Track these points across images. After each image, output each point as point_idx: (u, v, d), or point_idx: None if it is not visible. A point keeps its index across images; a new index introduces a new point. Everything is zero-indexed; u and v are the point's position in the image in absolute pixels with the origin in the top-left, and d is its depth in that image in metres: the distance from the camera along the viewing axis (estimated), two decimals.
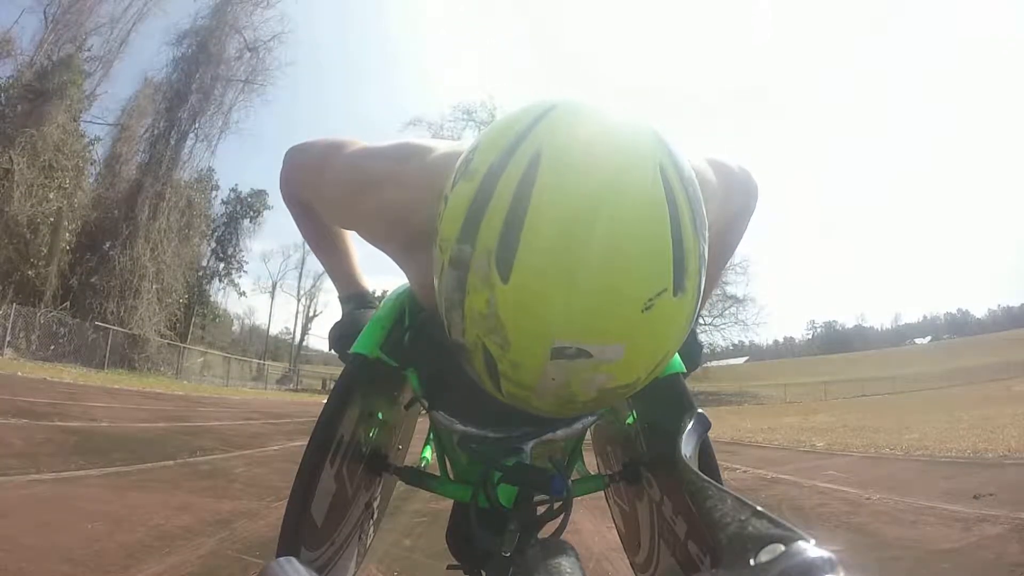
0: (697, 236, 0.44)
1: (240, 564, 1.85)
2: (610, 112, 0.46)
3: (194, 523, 2.28)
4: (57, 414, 5.06)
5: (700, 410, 0.59)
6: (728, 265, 1.04)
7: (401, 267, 0.72)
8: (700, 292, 0.45)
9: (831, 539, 2.32)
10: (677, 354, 0.74)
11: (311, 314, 41.54)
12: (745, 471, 4.71)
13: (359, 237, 0.80)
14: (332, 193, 0.71)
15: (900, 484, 3.61)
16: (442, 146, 0.65)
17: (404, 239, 0.65)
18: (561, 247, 0.39)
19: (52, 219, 16.83)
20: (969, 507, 2.78)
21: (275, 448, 5.09)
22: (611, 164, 0.41)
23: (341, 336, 0.86)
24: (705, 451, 0.63)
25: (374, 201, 0.65)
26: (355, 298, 0.90)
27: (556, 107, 0.45)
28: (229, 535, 2.17)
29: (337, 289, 0.92)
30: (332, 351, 0.87)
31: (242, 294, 30.61)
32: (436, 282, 0.48)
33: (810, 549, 0.25)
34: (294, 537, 0.62)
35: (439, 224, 0.47)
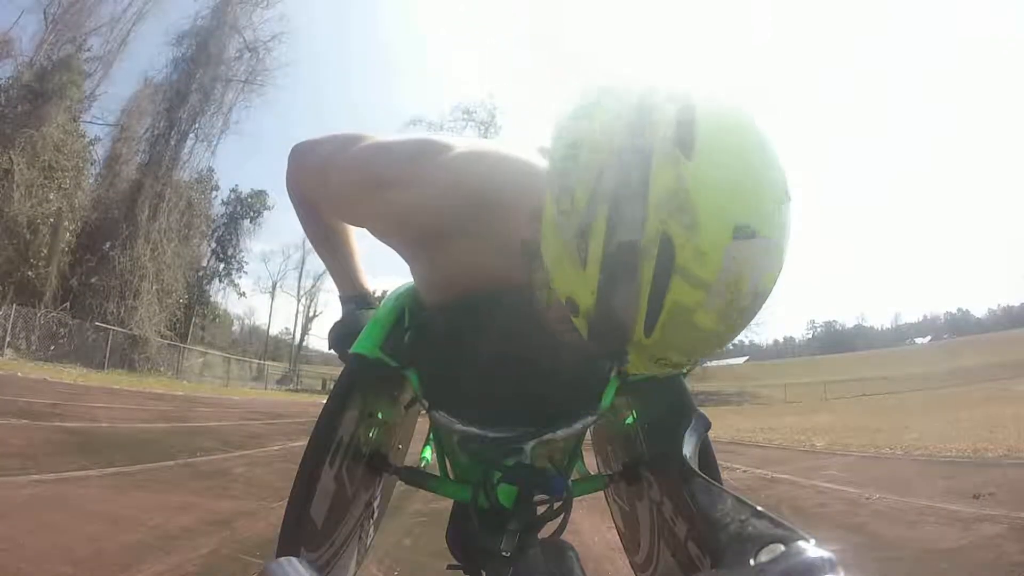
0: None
1: (240, 564, 1.85)
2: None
3: (194, 523, 2.28)
4: (57, 414, 5.06)
5: (700, 410, 0.60)
6: None
7: (409, 263, 0.72)
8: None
9: (831, 539, 2.32)
10: None
11: (311, 314, 41.56)
12: (745, 471, 4.71)
13: (361, 237, 0.80)
14: (340, 191, 0.70)
15: (900, 484, 3.60)
16: (460, 144, 0.64)
17: (416, 236, 0.65)
18: (731, 132, 0.45)
19: (52, 219, 16.82)
20: (969, 507, 2.78)
21: (275, 448, 5.09)
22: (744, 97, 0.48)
23: (341, 336, 0.86)
24: (705, 451, 0.63)
25: (385, 200, 0.64)
26: (356, 298, 0.90)
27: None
28: (229, 535, 2.17)
29: (338, 289, 0.92)
30: (332, 351, 0.87)
31: (242, 294, 30.65)
32: (592, 185, 0.45)
33: (810, 549, 0.25)
34: (294, 537, 0.62)
35: (564, 153, 0.47)
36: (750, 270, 0.43)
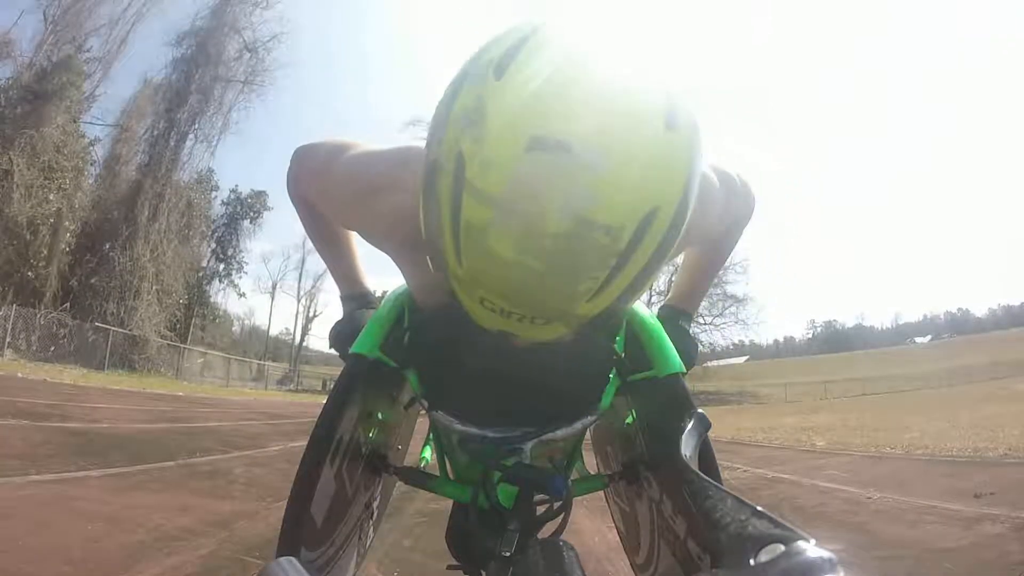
0: (688, 105, 0.43)
1: (240, 565, 1.85)
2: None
3: (194, 524, 2.27)
4: (57, 415, 5.05)
5: (700, 410, 0.59)
6: (728, 264, 1.06)
7: (400, 268, 0.73)
8: (695, 159, 0.43)
9: (832, 538, 2.31)
10: (676, 354, 0.75)
11: (311, 315, 41.52)
12: (745, 470, 4.71)
13: (360, 237, 0.80)
14: (335, 195, 0.72)
15: (900, 483, 3.60)
16: None
17: (404, 240, 0.66)
18: (559, 54, 0.41)
19: (52, 220, 16.84)
20: (970, 506, 2.78)
21: (275, 449, 5.09)
22: (613, 30, 0.45)
23: (342, 336, 0.86)
24: (705, 451, 0.63)
25: (375, 204, 0.66)
26: (356, 298, 0.91)
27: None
28: (229, 536, 2.17)
29: (339, 288, 0.93)
30: (332, 350, 0.87)
31: (242, 295, 30.59)
32: (433, 116, 0.46)
33: (810, 549, 0.25)
34: (294, 536, 0.62)
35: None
36: (552, 186, 0.38)
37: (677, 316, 0.96)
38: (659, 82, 0.43)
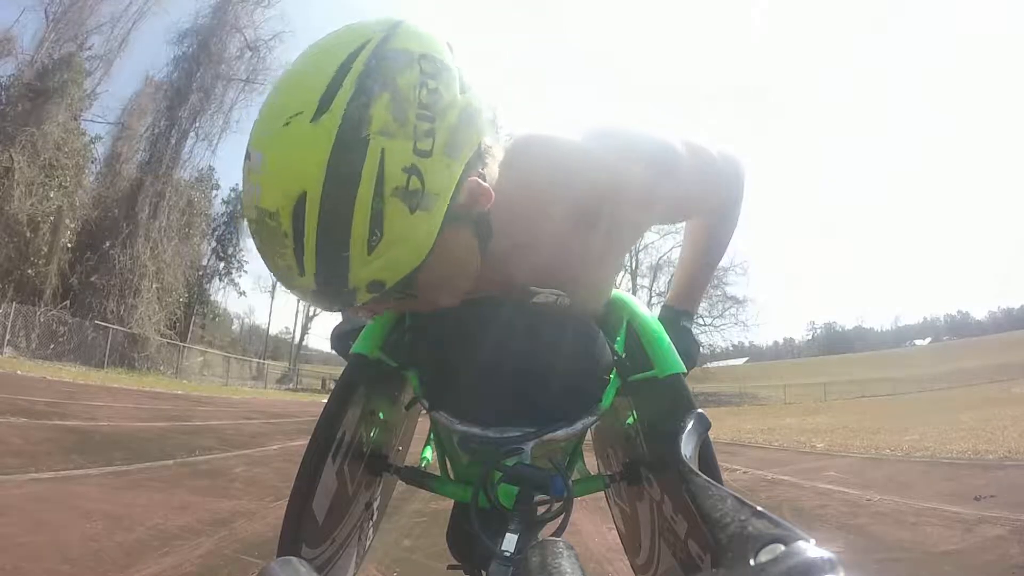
0: (374, 96, 0.47)
1: (239, 564, 1.84)
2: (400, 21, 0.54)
3: (193, 523, 2.27)
4: (56, 413, 5.05)
5: (700, 410, 0.59)
6: (728, 265, 1.03)
7: None
8: (349, 144, 0.47)
9: (832, 540, 2.31)
10: (676, 353, 0.74)
11: (311, 314, 41.45)
12: (745, 472, 4.70)
13: None
14: None
15: (901, 485, 3.60)
16: None
17: None
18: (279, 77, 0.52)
19: (52, 218, 16.83)
20: (970, 508, 2.78)
21: (275, 448, 5.09)
22: (356, 28, 0.52)
23: (343, 337, 0.86)
24: (705, 451, 0.63)
25: None
26: None
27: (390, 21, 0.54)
28: (228, 535, 2.17)
29: None
30: (335, 352, 0.87)
31: (242, 293, 30.72)
32: None
33: (810, 549, 0.25)
34: (295, 533, 0.62)
35: None
36: (246, 191, 0.49)
37: (678, 316, 0.94)
38: (325, 77, 0.47)
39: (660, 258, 31.06)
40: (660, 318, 0.90)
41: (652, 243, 30.07)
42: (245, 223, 0.54)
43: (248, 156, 0.49)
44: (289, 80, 0.50)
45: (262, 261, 0.55)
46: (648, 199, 0.66)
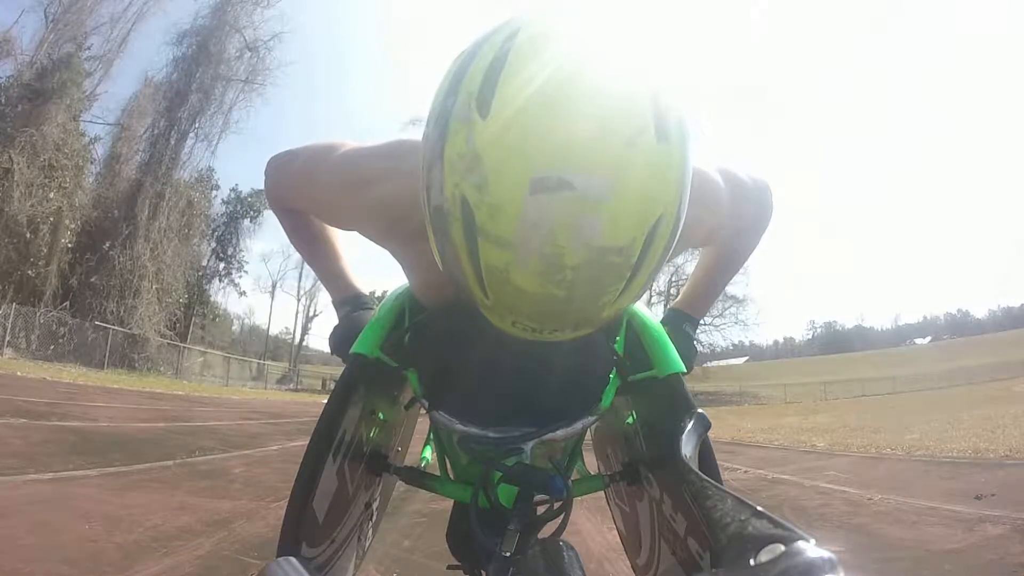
0: (677, 105, 0.43)
1: (238, 565, 1.84)
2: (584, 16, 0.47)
3: (192, 523, 2.27)
4: (56, 414, 5.05)
5: (700, 410, 0.59)
6: None
7: (401, 263, 0.73)
8: (687, 159, 0.44)
9: (833, 540, 2.31)
10: (676, 353, 0.75)
11: (311, 314, 41.54)
12: (746, 471, 4.70)
13: (354, 239, 0.80)
14: (327, 193, 0.71)
15: (901, 484, 3.60)
16: None
17: (404, 234, 0.66)
18: (539, 82, 0.40)
19: (52, 218, 16.82)
20: (971, 507, 2.77)
21: (275, 448, 5.09)
22: (592, 28, 0.44)
23: (342, 339, 0.86)
24: (705, 451, 0.63)
25: (372, 197, 0.65)
26: (350, 301, 0.90)
27: (531, 7, 0.47)
28: (227, 535, 2.16)
29: (331, 294, 0.92)
30: (335, 355, 0.87)
31: (242, 294, 30.70)
32: (421, 155, 0.47)
33: (810, 549, 0.25)
34: (296, 530, 0.62)
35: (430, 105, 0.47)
36: (562, 224, 0.39)
37: (682, 320, 0.95)
38: (644, 92, 0.42)
39: None
40: (665, 319, 0.91)
41: None
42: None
43: (567, 185, 0.39)
44: (611, 100, 0.41)
45: (539, 311, 0.45)
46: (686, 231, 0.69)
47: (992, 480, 3.44)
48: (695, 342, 0.97)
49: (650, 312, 0.83)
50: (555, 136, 0.39)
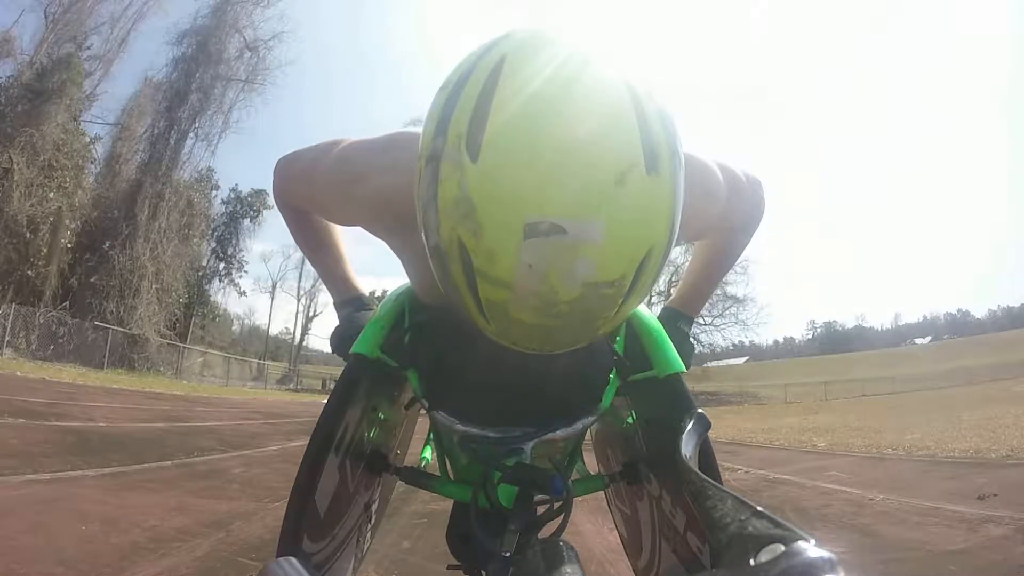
0: (665, 127, 0.43)
1: (237, 566, 1.83)
2: (572, 35, 0.46)
3: (190, 524, 2.26)
4: (55, 414, 5.05)
5: (700, 410, 0.59)
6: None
7: (401, 258, 0.73)
8: (679, 187, 0.44)
9: (836, 540, 2.31)
10: (676, 354, 0.75)
11: (311, 314, 41.56)
12: (747, 472, 4.71)
13: (363, 238, 0.80)
14: (327, 189, 0.72)
15: (903, 485, 3.60)
16: None
17: (404, 228, 0.65)
18: (526, 122, 0.40)
19: (52, 218, 16.86)
20: (973, 508, 2.77)
21: (274, 448, 5.09)
22: (574, 57, 0.43)
23: (343, 340, 0.86)
24: (705, 451, 0.63)
25: (369, 190, 0.66)
26: (352, 301, 0.92)
27: (518, 29, 0.47)
28: (225, 536, 2.16)
29: (332, 294, 0.93)
30: (335, 354, 0.87)
31: (242, 294, 30.65)
32: (415, 190, 0.47)
33: (810, 549, 0.25)
34: (297, 526, 0.62)
35: (420, 140, 0.47)
36: (556, 266, 0.41)
37: (677, 318, 0.96)
38: (632, 123, 0.41)
39: None
40: (660, 317, 0.91)
41: None
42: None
43: (559, 230, 0.39)
44: (598, 140, 0.40)
45: (537, 337, 0.47)
46: (686, 220, 0.69)
47: (994, 480, 3.44)
48: (692, 340, 0.97)
49: (650, 312, 0.83)
50: (544, 181, 0.39)
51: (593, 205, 0.40)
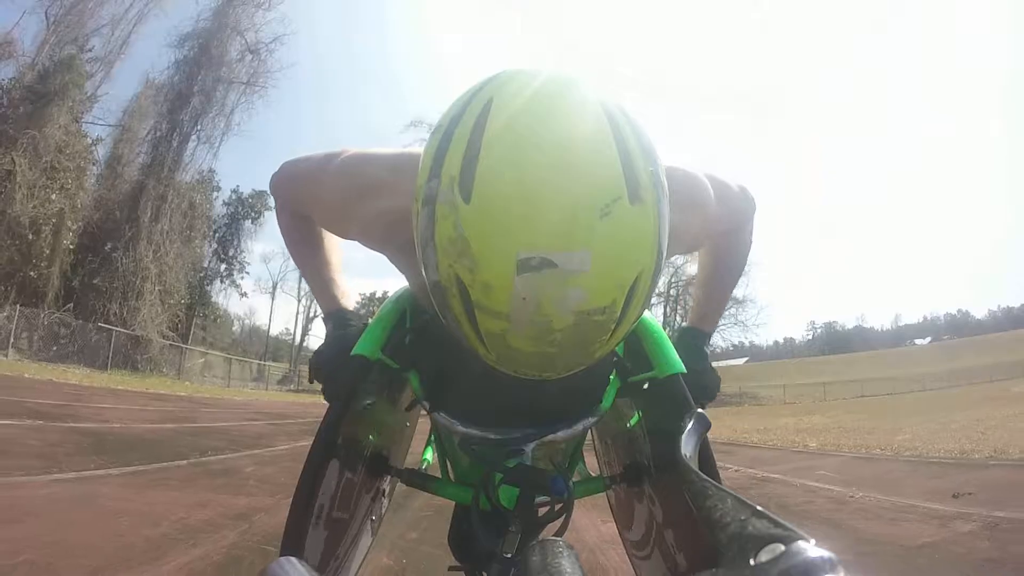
0: (646, 155, 0.46)
1: (263, 553, 1.96)
2: (553, 70, 0.50)
3: (215, 517, 2.38)
4: (68, 416, 5.14)
5: (700, 410, 0.61)
6: None
7: (401, 270, 0.74)
8: (662, 213, 0.46)
9: (813, 535, 2.40)
10: (676, 354, 0.76)
11: (311, 315, 41.43)
12: (737, 470, 4.81)
13: (353, 249, 0.83)
14: (330, 199, 0.72)
15: (886, 483, 3.71)
16: None
17: (403, 243, 0.64)
18: (513, 163, 0.43)
19: (54, 220, 16.82)
20: (948, 505, 2.89)
21: (282, 448, 5.19)
22: (555, 94, 0.47)
23: (320, 362, 0.81)
24: (705, 451, 0.63)
25: (372, 206, 0.67)
26: (333, 315, 0.87)
27: (504, 71, 0.51)
28: (249, 527, 2.28)
29: (321, 306, 0.90)
30: (313, 382, 0.81)
31: (243, 295, 30.64)
32: (414, 230, 0.50)
33: (810, 549, 0.26)
34: (298, 534, 0.63)
35: (416, 180, 0.50)
36: (548, 297, 0.43)
37: (693, 336, 0.94)
38: (614, 157, 0.44)
39: None
40: (677, 342, 0.90)
41: None
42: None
43: (549, 263, 0.42)
44: (582, 173, 0.43)
45: (536, 363, 0.49)
46: (676, 233, 0.66)
47: (973, 479, 3.55)
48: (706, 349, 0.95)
49: (650, 313, 0.81)
50: (533, 218, 0.42)
51: (580, 239, 0.42)
